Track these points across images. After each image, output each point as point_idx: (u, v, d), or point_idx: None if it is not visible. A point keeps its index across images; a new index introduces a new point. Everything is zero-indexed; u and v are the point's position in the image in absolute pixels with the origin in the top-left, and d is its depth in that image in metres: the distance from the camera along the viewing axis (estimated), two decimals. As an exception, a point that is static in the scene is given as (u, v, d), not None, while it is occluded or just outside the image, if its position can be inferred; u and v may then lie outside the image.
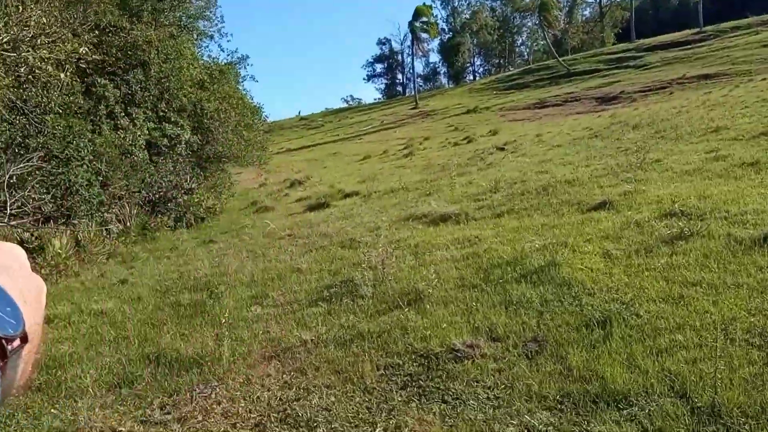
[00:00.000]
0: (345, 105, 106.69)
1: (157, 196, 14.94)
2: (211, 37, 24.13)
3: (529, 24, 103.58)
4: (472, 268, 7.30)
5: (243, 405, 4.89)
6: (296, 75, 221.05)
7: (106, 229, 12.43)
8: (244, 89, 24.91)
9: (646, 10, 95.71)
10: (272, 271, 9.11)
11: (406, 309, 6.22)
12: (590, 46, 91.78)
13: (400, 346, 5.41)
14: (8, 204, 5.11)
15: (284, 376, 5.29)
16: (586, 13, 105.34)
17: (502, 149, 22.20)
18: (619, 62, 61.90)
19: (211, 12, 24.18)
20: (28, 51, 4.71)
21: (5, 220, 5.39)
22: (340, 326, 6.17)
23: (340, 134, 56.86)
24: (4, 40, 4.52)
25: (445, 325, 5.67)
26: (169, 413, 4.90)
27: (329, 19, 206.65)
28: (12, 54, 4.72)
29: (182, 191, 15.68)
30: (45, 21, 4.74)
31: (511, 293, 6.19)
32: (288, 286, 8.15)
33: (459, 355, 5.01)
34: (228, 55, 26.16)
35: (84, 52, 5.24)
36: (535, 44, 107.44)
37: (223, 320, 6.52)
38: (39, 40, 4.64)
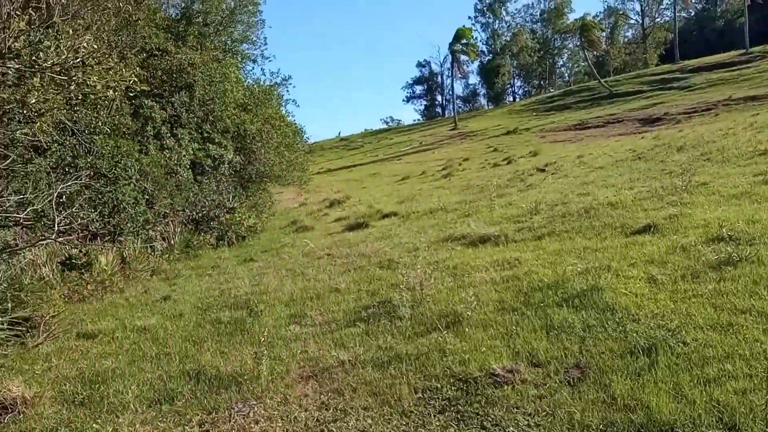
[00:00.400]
0: (384, 126, 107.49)
1: (200, 214, 15.24)
2: (255, 60, 24.71)
3: (570, 45, 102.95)
4: (512, 291, 7.21)
5: (281, 425, 4.90)
6: (337, 96, 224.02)
7: (150, 247, 12.73)
8: (286, 111, 25.37)
9: (690, 30, 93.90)
10: (311, 290, 9.16)
11: (445, 331, 6.17)
12: (633, 68, 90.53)
13: (438, 369, 5.36)
14: (56, 221, 5.27)
15: (322, 396, 5.29)
16: (629, 34, 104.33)
17: (543, 171, 21.96)
18: (663, 83, 60.80)
19: (254, 35, 24.78)
20: (77, 76, 4.87)
21: (53, 237, 5.55)
22: (377, 347, 6.15)
23: (380, 155, 57.16)
24: (54, 62, 4.69)
25: (484, 348, 5.59)
26: (208, 431, 4.94)
27: (370, 42, 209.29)
28: (63, 77, 4.89)
29: (225, 210, 15.96)
30: (96, 46, 4.91)
31: (552, 317, 6.07)
32: (326, 305, 8.18)
33: (498, 380, 4.92)
34: (271, 75, 26.68)
35: (133, 81, 5.39)
36: (576, 65, 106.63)
37: (262, 339, 6.56)
38: (88, 66, 4.81)
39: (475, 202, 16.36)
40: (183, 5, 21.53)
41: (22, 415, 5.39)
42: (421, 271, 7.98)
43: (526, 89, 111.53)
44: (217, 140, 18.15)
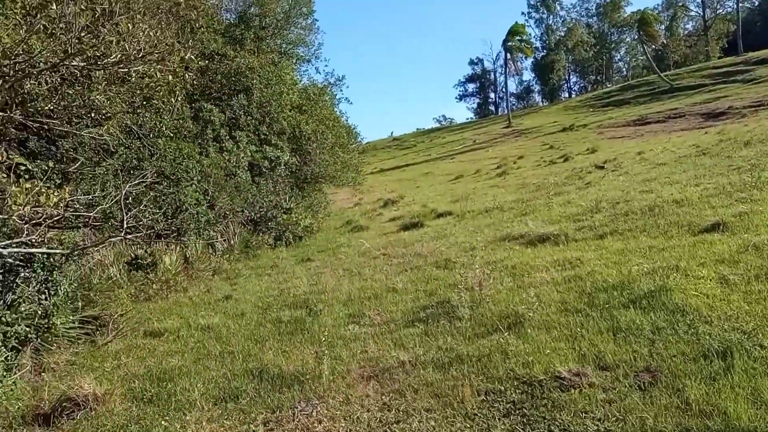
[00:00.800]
0: (437, 125, 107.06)
1: (258, 215, 15.51)
2: (309, 61, 25.00)
3: (628, 39, 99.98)
4: (574, 292, 7.03)
5: (344, 425, 4.92)
6: (389, 96, 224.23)
7: (211, 247, 13.04)
8: (340, 111, 25.58)
9: (754, 21, 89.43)
10: (368, 290, 9.18)
11: (506, 333, 6.07)
12: (694, 61, 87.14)
13: (501, 371, 5.27)
14: (124, 220, 5.45)
15: (383, 397, 5.28)
16: (689, 26, 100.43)
17: (602, 168, 21.40)
18: (726, 76, 58.19)
19: (309, 38, 25.08)
20: (139, 66, 5.03)
21: (122, 235, 5.74)
22: (437, 348, 6.10)
23: (432, 154, 56.94)
24: (117, 58, 4.84)
25: (548, 351, 5.47)
26: (272, 429, 5.01)
27: (421, 40, 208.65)
28: (123, 69, 5.05)
29: (282, 210, 16.19)
30: (153, 35, 5.04)
31: (618, 319, 5.89)
32: (384, 305, 8.18)
33: (565, 383, 4.80)
34: (325, 76, 26.96)
35: (190, 59, 5.54)
36: (634, 59, 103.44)
37: (323, 338, 6.62)
38: (147, 55, 4.96)
39: (532, 200, 16.08)
40: (240, 9, 21.98)
41: (93, 412, 5.58)
42: (479, 271, 7.89)
43: (582, 85, 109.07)
44: (273, 142, 18.45)
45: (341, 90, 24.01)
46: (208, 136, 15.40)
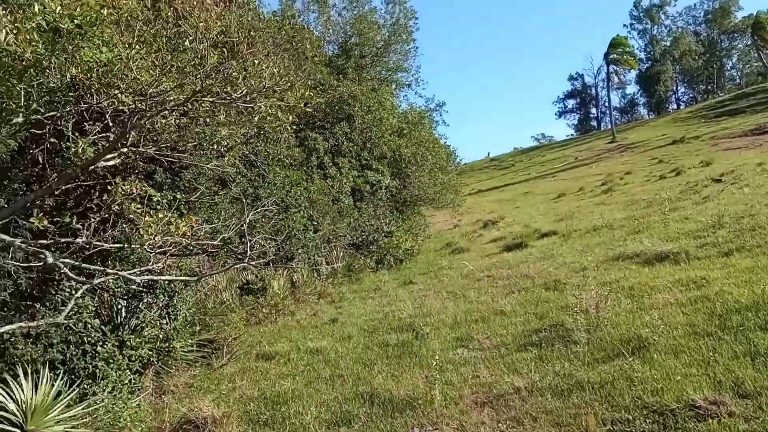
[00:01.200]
0: (535, 143, 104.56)
1: (360, 239, 15.70)
2: (408, 85, 25.25)
3: (740, 45, 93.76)
4: (702, 314, 6.51)
5: (459, 453, 4.77)
6: (485, 116, 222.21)
7: (316, 271, 13.31)
8: (438, 134, 25.62)
9: None
10: (474, 312, 8.99)
11: (630, 358, 5.70)
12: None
13: (627, 399, 4.93)
14: (247, 246, 5.68)
15: (500, 425, 5.09)
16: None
17: (719, 181, 19.97)
18: None
19: (407, 63, 25.38)
20: (262, 101, 5.24)
21: (245, 261, 5.97)
22: (554, 374, 5.82)
23: (532, 173, 55.67)
24: (243, 92, 5.06)
25: (678, 377, 5.06)
26: (388, 454, 4.94)
27: (519, 58, 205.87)
28: (249, 105, 5.28)
29: (383, 234, 16.31)
30: (275, 72, 5.24)
31: (756, 343, 5.38)
32: (492, 328, 7.96)
33: (701, 412, 4.41)
34: (426, 101, 27.21)
35: (309, 95, 5.72)
36: (747, 66, 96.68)
37: (433, 362, 6.51)
38: (270, 91, 5.16)
39: (645, 217, 15.22)
40: (340, 41, 22.67)
41: (214, 433, 5.76)
42: (594, 293, 7.50)
43: (691, 95, 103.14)
44: (374, 166, 18.72)
45: (440, 114, 24.24)
46: (312, 163, 15.86)
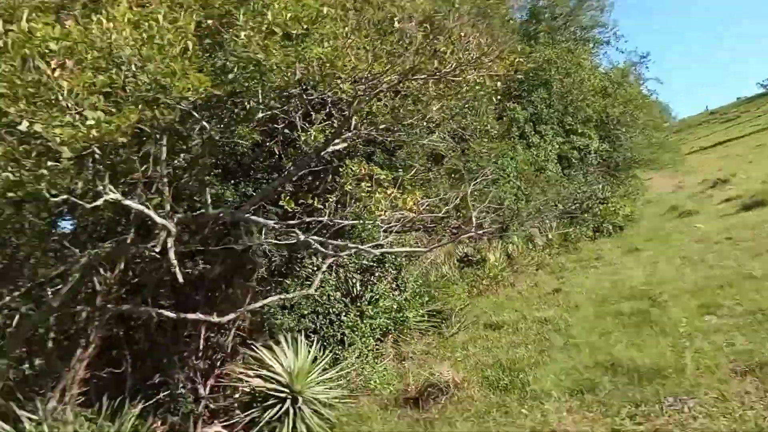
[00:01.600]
0: (762, 90, 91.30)
1: (572, 207, 15.13)
2: (607, 42, 23.58)
3: None
4: None
5: (724, 423, 4.40)
6: (698, 66, 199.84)
7: (530, 242, 13.10)
8: (648, 90, 23.60)
9: None
10: (717, 278, 8.23)
11: None
12: None
13: None
14: (471, 218, 5.73)
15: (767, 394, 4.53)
16: None
17: None
18: None
19: (604, 18, 23.71)
20: (472, 73, 5.19)
21: (473, 232, 6.05)
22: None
23: (761, 124, 48.91)
24: (453, 66, 5.05)
25: None
26: (640, 424, 4.68)
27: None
28: (458, 78, 5.26)
29: (597, 201, 15.55)
30: (482, 41, 5.16)
31: None
32: (743, 294, 7.21)
33: None
34: (627, 55, 25.22)
35: (520, 62, 5.56)
36: None
37: (680, 330, 6.01)
38: (478, 62, 5.09)
39: None
40: (528, 5, 21.86)
41: (455, 397, 5.92)
42: None
43: None
44: (580, 131, 17.87)
45: (647, 68, 22.09)
46: (513, 134, 15.54)
